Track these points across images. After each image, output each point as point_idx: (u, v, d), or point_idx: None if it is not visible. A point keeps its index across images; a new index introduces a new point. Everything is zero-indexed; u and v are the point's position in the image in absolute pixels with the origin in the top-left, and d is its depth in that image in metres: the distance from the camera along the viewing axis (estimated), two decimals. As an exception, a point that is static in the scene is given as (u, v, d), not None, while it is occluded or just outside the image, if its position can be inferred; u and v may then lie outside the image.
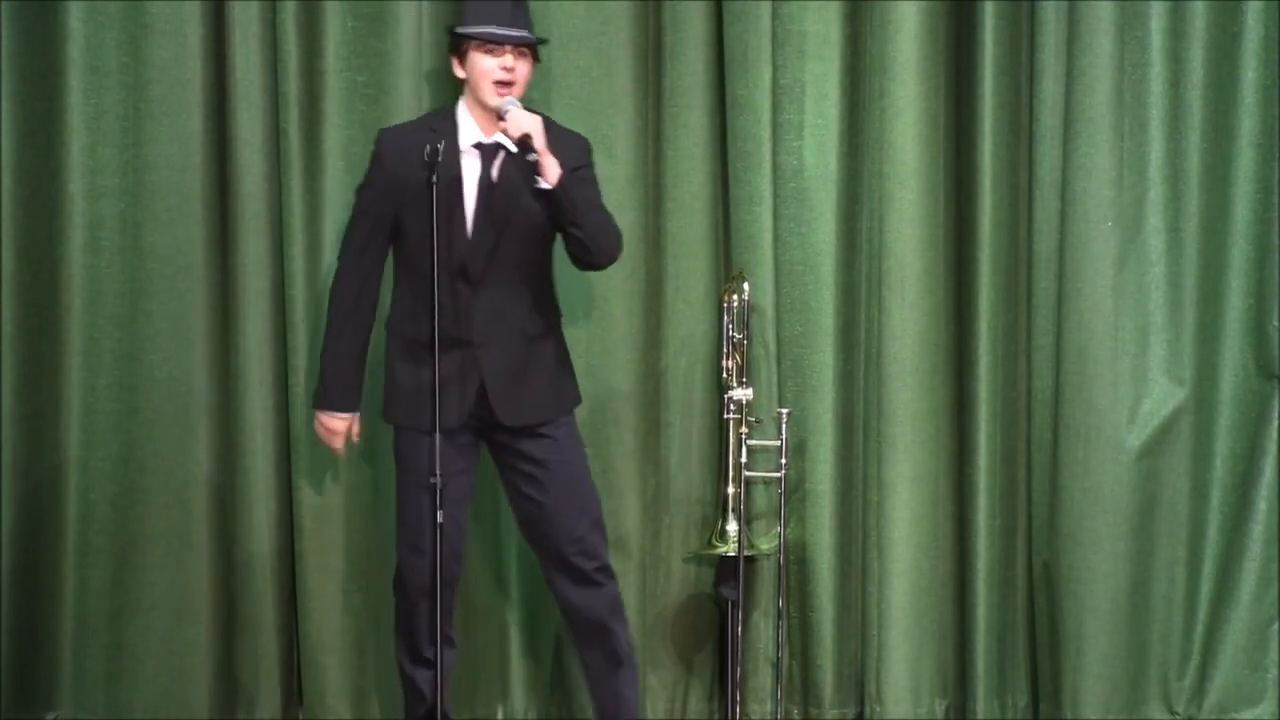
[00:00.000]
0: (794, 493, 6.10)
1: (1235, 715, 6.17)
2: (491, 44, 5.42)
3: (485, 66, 5.44)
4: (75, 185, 5.99)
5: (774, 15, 6.04)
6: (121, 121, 6.01)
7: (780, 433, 6.00)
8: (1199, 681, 6.20)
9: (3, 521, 6.03)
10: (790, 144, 6.05)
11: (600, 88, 6.03)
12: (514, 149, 5.39)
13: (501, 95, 5.43)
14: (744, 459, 6.00)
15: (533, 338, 5.53)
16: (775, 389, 6.11)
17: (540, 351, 5.54)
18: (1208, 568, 6.18)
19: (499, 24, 5.43)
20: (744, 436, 6.00)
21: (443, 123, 5.51)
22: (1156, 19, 6.04)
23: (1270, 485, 6.13)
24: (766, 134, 6.04)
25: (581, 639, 5.64)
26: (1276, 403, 6.13)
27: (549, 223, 5.43)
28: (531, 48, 5.49)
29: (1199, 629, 6.18)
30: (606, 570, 5.59)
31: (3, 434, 6.02)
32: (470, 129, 5.50)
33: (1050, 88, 6.06)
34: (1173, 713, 6.19)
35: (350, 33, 5.98)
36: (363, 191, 5.55)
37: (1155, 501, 6.12)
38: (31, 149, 6.02)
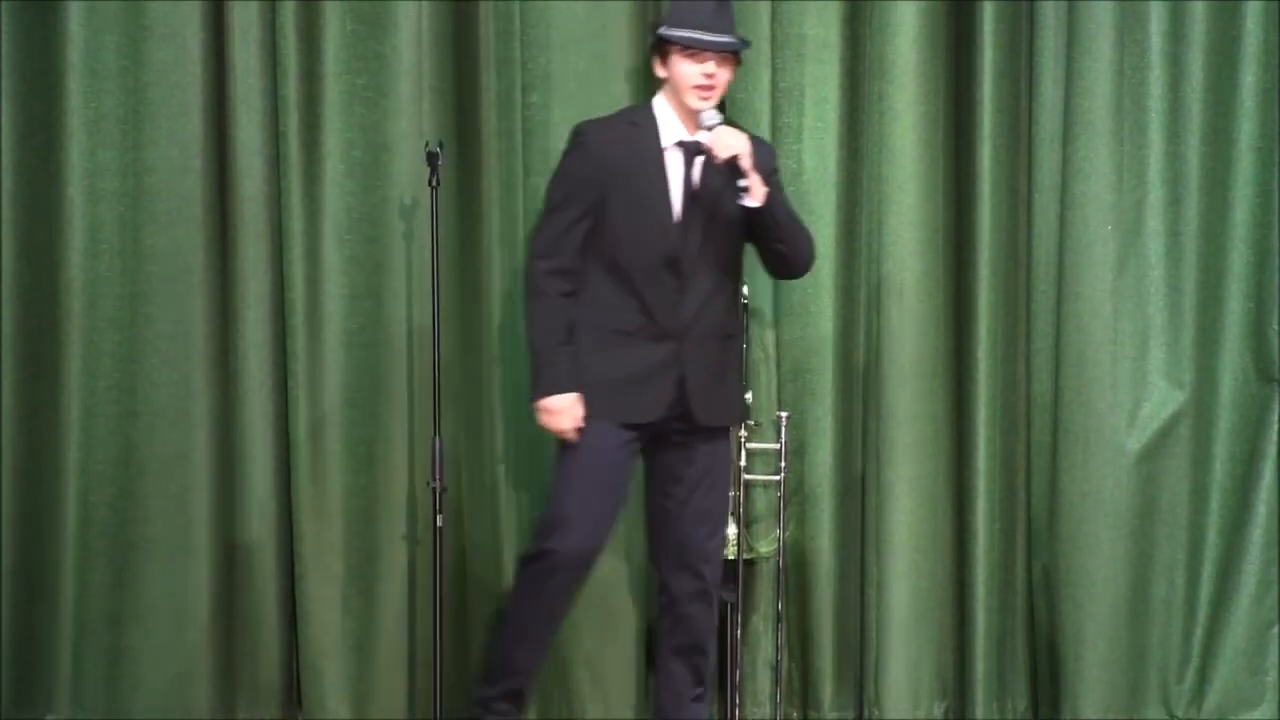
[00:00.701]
0: (793, 496, 6.11)
1: (1235, 718, 6.17)
2: (694, 49, 5.40)
3: (687, 72, 5.41)
4: (74, 188, 5.99)
5: (773, 18, 6.04)
6: (121, 124, 6.01)
7: (779, 436, 6.00)
8: (1198, 684, 6.20)
9: (2, 524, 6.03)
10: (789, 147, 6.05)
11: (599, 91, 6.03)
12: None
13: (703, 99, 5.40)
14: (743, 462, 6.00)
15: (726, 338, 5.54)
16: (774, 392, 6.11)
17: (732, 353, 5.57)
18: (1207, 571, 6.18)
19: (703, 29, 5.39)
20: (743, 440, 6.00)
21: (643, 118, 5.49)
22: (1156, 22, 6.04)
23: (1270, 489, 6.13)
24: (766, 137, 6.03)
25: (675, 648, 5.62)
26: (1276, 406, 6.14)
27: (748, 236, 5.46)
28: (735, 52, 5.45)
29: (1198, 632, 6.18)
30: (715, 589, 5.58)
31: (2, 436, 6.02)
32: (672, 125, 5.47)
33: (1050, 91, 6.06)
34: (1172, 715, 6.19)
35: (350, 36, 5.98)
36: (562, 183, 5.48)
37: (1155, 505, 6.12)
38: (31, 152, 6.02)
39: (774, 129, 6.04)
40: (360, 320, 6.03)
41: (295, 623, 6.11)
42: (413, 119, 5.99)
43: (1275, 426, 6.14)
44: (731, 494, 5.99)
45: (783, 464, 6.01)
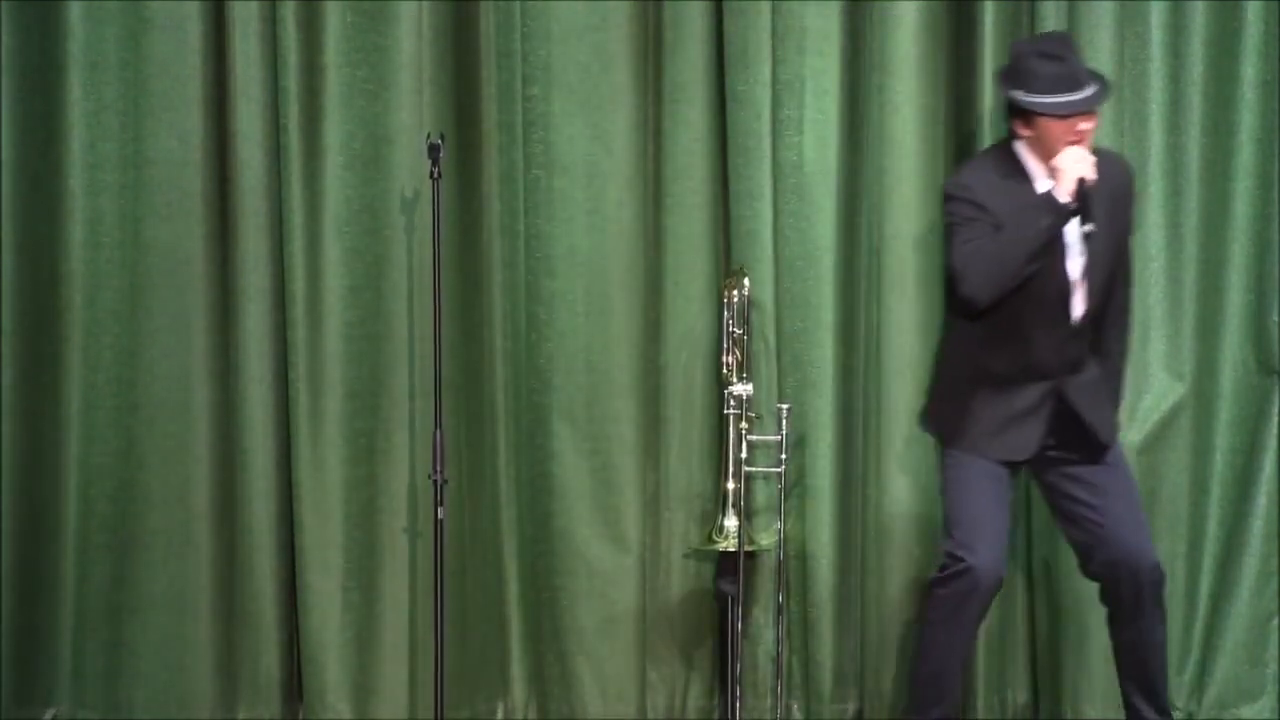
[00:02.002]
0: (794, 488, 6.10)
1: (1235, 710, 6.16)
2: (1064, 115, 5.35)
3: (1058, 133, 5.35)
4: (75, 181, 6.00)
5: (774, 11, 6.04)
6: (121, 117, 6.01)
7: (780, 428, 6.00)
8: (1199, 677, 6.19)
9: (2, 518, 6.03)
10: (790, 139, 6.05)
11: (600, 83, 6.03)
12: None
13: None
14: (744, 454, 6.00)
15: (1092, 361, 5.54)
16: (775, 384, 6.11)
17: (1096, 372, 5.55)
18: (1207, 563, 6.18)
19: (1068, 90, 5.34)
20: (744, 432, 6.00)
21: (1010, 166, 5.44)
22: (1156, 15, 6.05)
23: (1270, 480, 6.13)
24: (766, 129, 6.04)
25: (1128, 676, 5.65)
26: (1276, 398, 6.13)
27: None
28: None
29: (1199, 624, 6.17)
30: (1157, 586, 5.55)
31: (2, 430, 6.02)
32: (1043, 176, 5.41)
33: (1050, 83, 6.06)
34: (1173, 708, 6.18)
35: (350, 28, 5.98)
36: (965, 227, 5.40)
37: (1155, 496, 6.11)
38: (31, 145, 6.02)
39: (774, 121, 6.04)
40: (361, 312, 6.03)
41: (295, 616, 6.11)
42: (413, 111, 5.99)
43: (1275, 418, 6.14)
44: (732, 485, 6.00)
45: (783, 456, 6.01)
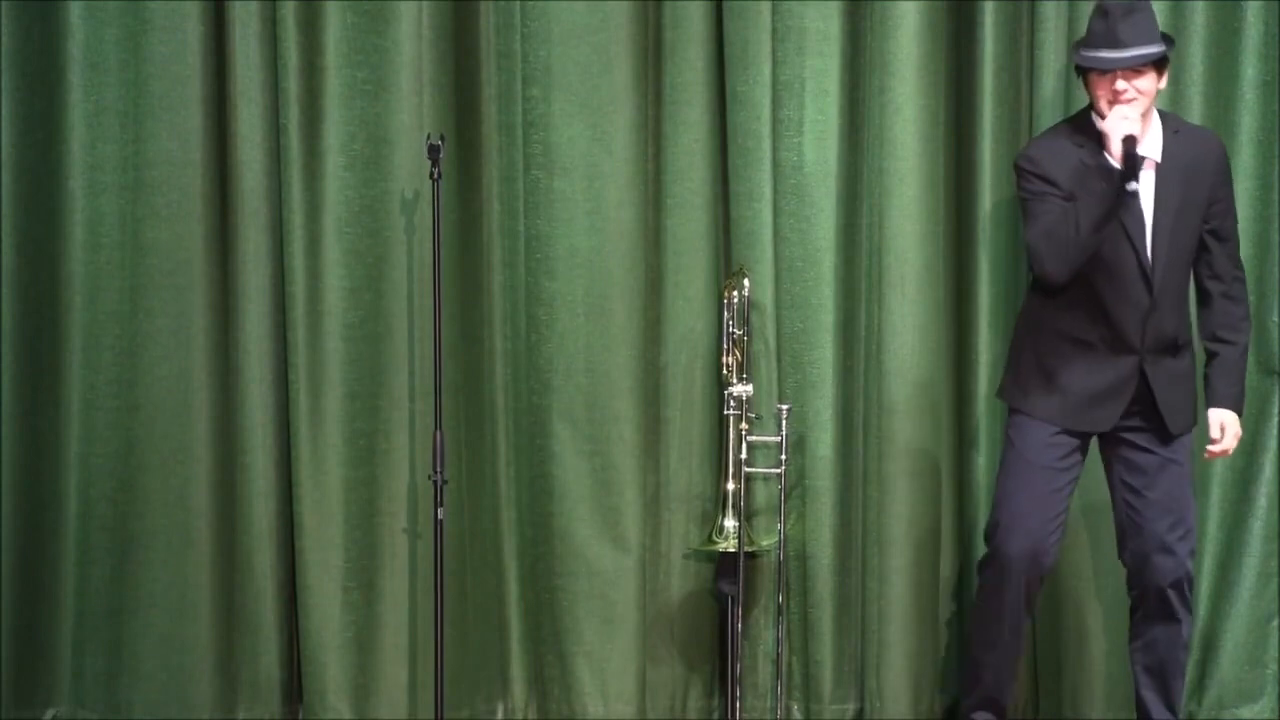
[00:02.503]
0: (794, 489, 6.11)
1: (1234, 711, 6.17)
2: (1102, 69, 5.40)
3: (1100, 91, 5.43)
4: (75, 182, 6.00)
5: (774, 11, 6.04)
6: (121, 118, 6.01)
7: (780, 429, 6.00)
8: (1198, 678, 6.20)
9: (2, 518, 6.03)
10: (790, 140, 6.06)
11: (600, 84, 6.03)
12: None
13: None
14: (744, 455, 6.00)
15: (1181, 347, 5.56)
16: (775, 385, 6.11)
17: (1183, 365, 5.57)
18: (1207, 564, 6.17)
19: (1107, 46, 5.38)
20: (744, 432, 6.01)
21: (1083, 131, 5.48)
22: (1156, 15, 6.03)
23: (1270, 481, 6.13)
24: (766, 130, 6.04)
25: (1144, 666, 5.69)
26: (1276, 398, 6.14)
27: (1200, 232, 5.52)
28: (1151, 63, 5.42)
29: (1198, 625, 6.17)
30: (1183, 596, 5.59)
31: (2, 431, 6.02)
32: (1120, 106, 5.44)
33: (1050, 84, 6.06)
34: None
35: (350, 29, 5.98)
36: (1036, 202, 5.46)
37: (1155, 497, 6.12)
38: (31, 146, 6.02)
39: (775, 122, 6.05)
40: (361, 313, 6.03)
41: (295, 616, 6.12)
42: (413, 112, 5.99)
43: (1275, 419, 6.14)
44: (732, 486, 6.00)
45: (783, 457, 6.01)
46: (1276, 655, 6.17)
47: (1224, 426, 5.59)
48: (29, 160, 6.02)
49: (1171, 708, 5.65)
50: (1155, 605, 5.59)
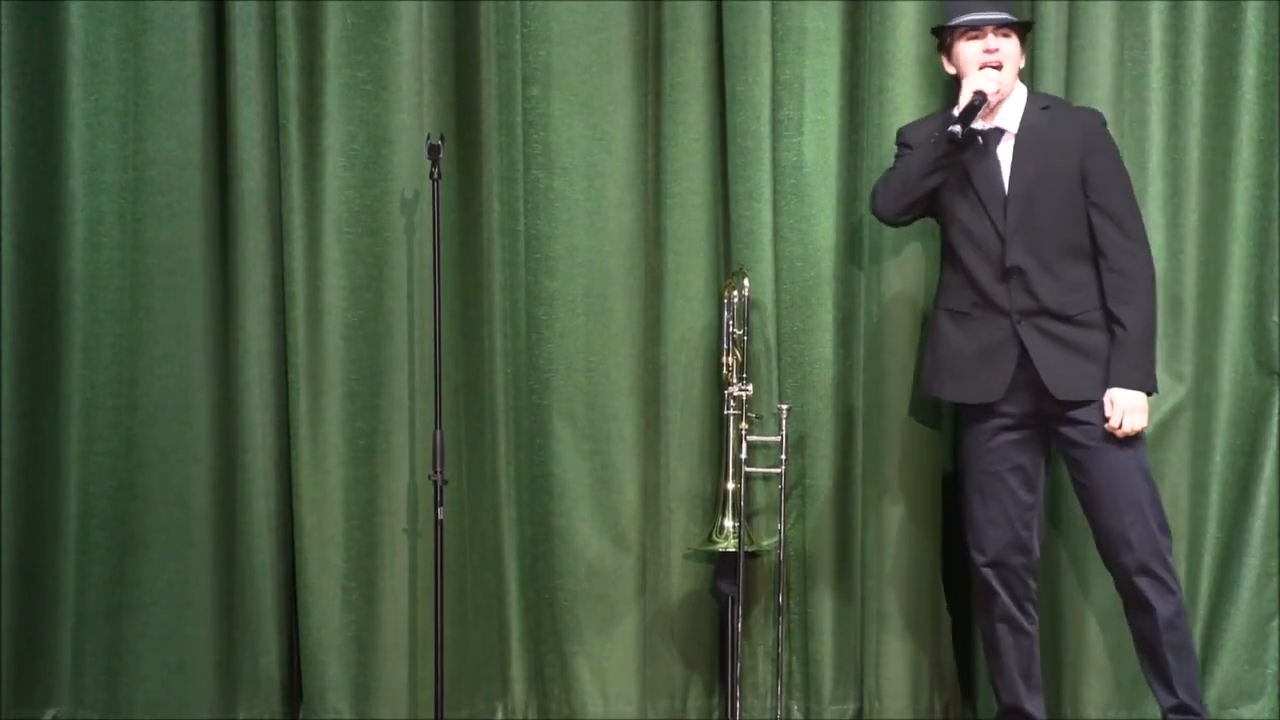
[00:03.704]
0: (794, 488, 6.11)
1: (1235, 711, 6.16)
2: (973, 30, 5.56)
3: (969, 53, 5.59)
4: (75, 181, 6.01)
5: (773, 11, 6.04)
6: (121, 117, 6.02)
7: (780, 428, 6.00)
8: (1199, 677, 6.18)
9: (2, 517, 6.03)
10: (790, 140, 6.06)
11: (600, 84, 6.04)
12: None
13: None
14: (744, 455, 6.00)
15: (1072, 317, 5.56)
16: (775, 385, 6.11)
17: (1087, 337, 5.57)
18: (1207, 563, 6.17)
19: (977, 10, 5.57)
20: (744, 432, 6.01)
21: (948, 115, 5.61)
22: (1156, 15, 6.04)
23: (1270, 480, 6.13)
24: (766, 130, 6.05)
25: (1140, 651, 5.70)
26: (1276, 398, 6.13)
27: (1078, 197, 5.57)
28: (1015, 29, 5.60)
29: (1198, 625, 6.16)
30: (1156, 579, 5.58)
31: (2, 429, 6.02)
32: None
33: (1050, 83, 6.05)
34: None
35: (350, 29, 5.98)
36: (898, 161, 5.68)
37: (1155, 497, 6.12)
38: (31, 145, 6.03)
39: (774, 122, 6.05)
40: (361, 313, 6.04)
41: (295, 615, 6.12)
42: (413, 112, 5.99)
43: (1275, 419, 6.13)
44: (732, 486, 6.00)
45: (783, 456, 6.01)
46: (1276, 655, 6.16)
47: (1113, 403, 5.53)
48: (29, 159, 6.03)
49: (1170, 688, 5.64)
50: (1129, 595, 5.62)
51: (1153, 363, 5.60)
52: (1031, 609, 5.70)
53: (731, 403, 6.02)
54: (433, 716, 5.82)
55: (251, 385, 6.08)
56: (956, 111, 5.50)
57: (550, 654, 6.17)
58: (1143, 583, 5.58)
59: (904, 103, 6.03)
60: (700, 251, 6.14)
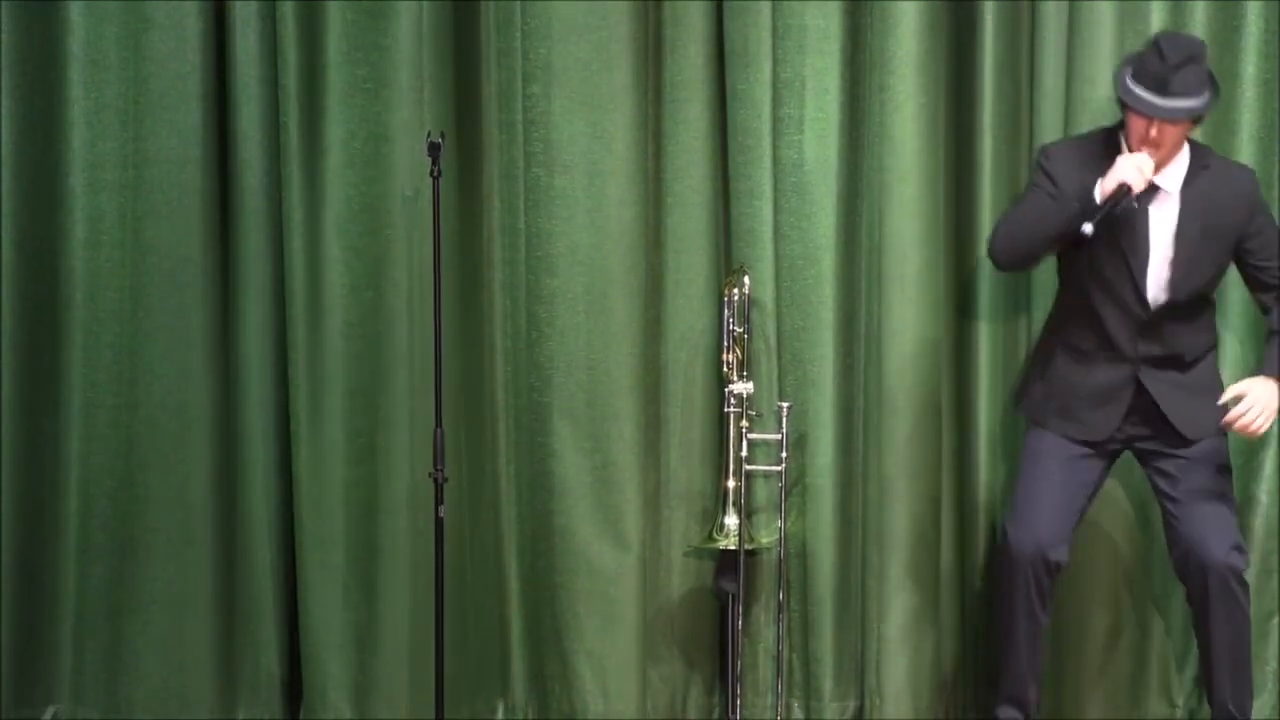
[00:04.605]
0: (794, 486, 6.11)
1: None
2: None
3: (1135, 126, 5.47)
4: (75, 179, 6.00)
5: (774, 10, 6.04)
6: (121, 115, 6.01)
7: (781, 426, 6.00)
8: (1200, 676, 6.18)
9: (2, 516, 6.03)
10: (790, 138, 6.05)
11: (600, 81, 6.03)
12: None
13: (1150, 154, 5.44)
14: (744, 453, 6.00)
15: (1192, 362, 5.61)
16: (775, 383, 6.11)
17: (1198, 375, 5.62)
18: (1209, 561, 6.17)
19: (1156, 90, 5.41)
20: (744, 430, 6.01)
21: (1105, 147, 5.54)
22: (1157, 14, 6.04)
23: (1270, 479, 6.13)
24: (767, 128, 6.04)
25: (1203, 660, 5.74)
26: (1276, 397, 6.12)
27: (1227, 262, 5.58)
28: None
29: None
30: (1224, 589, 5.60)
31: (2, 429, 6.02)
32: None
33: (1051, 82, 6.06)
34: (1173, 707, 6.18)
35: (350, 26, 5.97)
36: (1029, 191, 5.61)
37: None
38: (31, 143, 6.02)
39: (775, 120, 6.05)
40: (361, 311, 6.03)
41: (295, 614, 6.11)
42: (413, 110, 5.98)
43: (1275, 419, 6.13)
44: (732, 484, 6.00)
45: (784, 454, 6.01)
46: (1277, 653, 6.17)
47: (1244, 394, 5.56)
48: (29, 158, 6.02)
49: (1222, 700, 5.69)
50: (1200, 604, 5.63)
51: None
52: (1049, 603, 5.70)
53: (732, 400, 6.02)
54: (433, 715, 5.82)
55: (251, 383, 6.08)
56: (1098, 194, 5.40)
57: (550, 652, 6.17)
58: (1215, 595, 5.59)
59: (905, 101, 6.03)
60: (701, 249, 6.14)
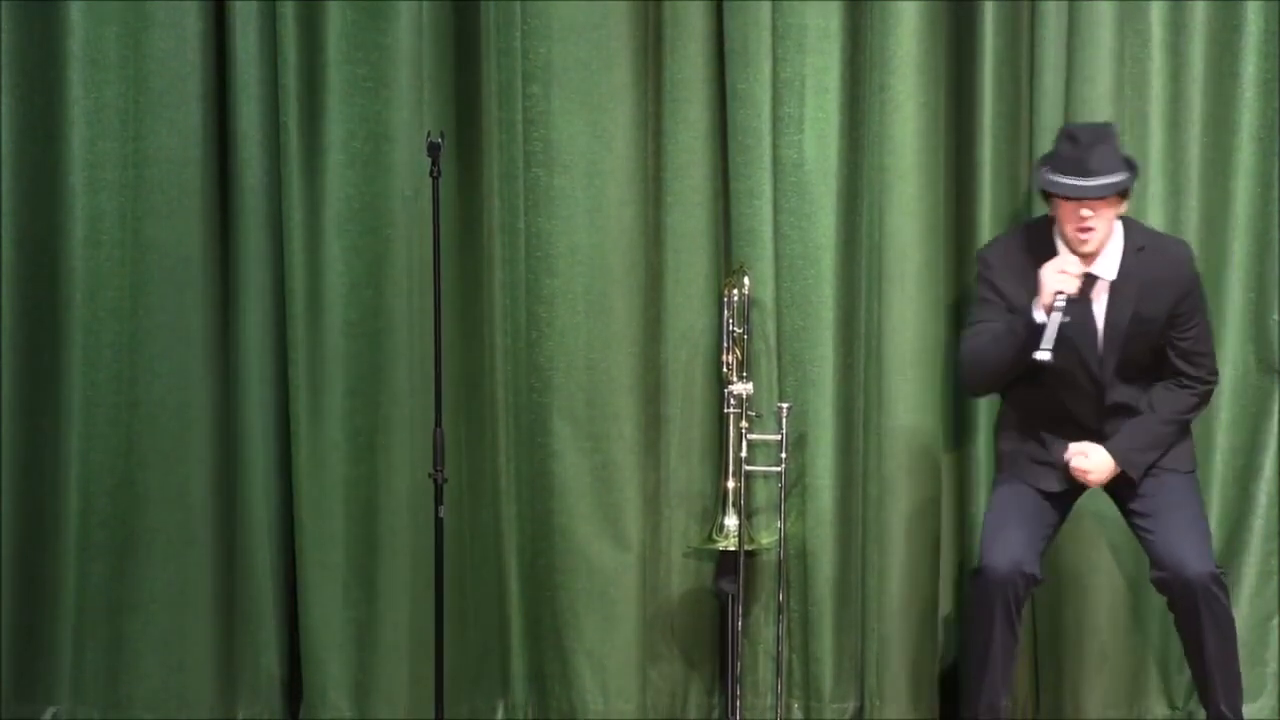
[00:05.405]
0: (794, 487, 6.10)
1: (1235, 710, 6.17)
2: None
3: (1065, 215, 5.48)
4: (75, 179, 6.00)
5: (774, 9, 6.04)
6: (121, 115, 6.01)
7: (780, 427, 6.00)
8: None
9: (2, 515, 6.03)
10: (790, 138, 6.05)
11: (600, 81, 6.03)
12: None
13: (1082, 241, 5.45)
14: (744, 453, 6.00)
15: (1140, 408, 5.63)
16: (775, 383, 6.11)
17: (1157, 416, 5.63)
18: (1208, 562, 6.17)
19: (1075, 173, 5.43)
20: (744, 431, 6.00)
21: (1042, 244, 5.55)
22: (1157, 13, 6.04)
23: (1270, 480, 6.13)
24: (767, 128, 6.04)
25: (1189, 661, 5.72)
26: (1276, 397, 6.13)
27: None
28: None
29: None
30: (1207, 596, 5.55)
31: (2, 428, 6.02)
32: (1067, 253, 5.51)
33: (1051, 81, 6.06)
34: (1173, 708, 6.19)
35: (350, 26, 5.98)
36: (980, 308, 5.62)
37: (1155, 496, 6.12)
38: (31, 143, 6.03)
39: (775, 119, 6.05)
40: (361, 310, 6.03)
41: (295, 613, 6.12)
42: (413, 109, 5.99)
43: (1275, 418, 6.13)
44: (732, 484, 6.00)
45: (783, 455, 6.01)
46: (1277, 654, 6.17)
47: (1086, 454, 5.59)
48: (29, 157, 6.03)
49: (1214, 702, 5.67)
50: (1185, 617, 5.58)
51: (1145, 459, 5.59)
52: (1022, 615, 5.68)
53: (732, 401, 6.02)
54: (433, 715, 5.81)
55: (251, 383, 6.08)
56: (1039, 313, 5.39)
57: (550, 652, 6.17)
58: (1211, 602, 5.55)
59: (905, 100, 6.03)
60: (701, 249, 6.14)
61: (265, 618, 6.12)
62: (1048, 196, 5.53)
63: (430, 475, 5.78)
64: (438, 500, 5.74)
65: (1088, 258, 5.49)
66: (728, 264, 6.13)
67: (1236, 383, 6.14)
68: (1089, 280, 5.51)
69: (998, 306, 5.55)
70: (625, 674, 6.14)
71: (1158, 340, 5.58)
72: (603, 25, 6.01)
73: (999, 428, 5.79)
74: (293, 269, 6.02)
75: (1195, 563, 5.50)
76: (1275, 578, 6.15)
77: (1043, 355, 5.35)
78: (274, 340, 6.09)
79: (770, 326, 6.11)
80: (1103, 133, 5.52)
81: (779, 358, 6.13)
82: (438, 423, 5.78)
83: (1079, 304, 5.47)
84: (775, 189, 6.07)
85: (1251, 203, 6.10)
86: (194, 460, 6.07)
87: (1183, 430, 5.65)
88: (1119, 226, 5.56)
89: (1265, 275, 6.11)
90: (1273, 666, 6.17)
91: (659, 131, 6.12)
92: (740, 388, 6.03)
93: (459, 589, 6.06)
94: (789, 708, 6.17)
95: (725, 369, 6.07)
